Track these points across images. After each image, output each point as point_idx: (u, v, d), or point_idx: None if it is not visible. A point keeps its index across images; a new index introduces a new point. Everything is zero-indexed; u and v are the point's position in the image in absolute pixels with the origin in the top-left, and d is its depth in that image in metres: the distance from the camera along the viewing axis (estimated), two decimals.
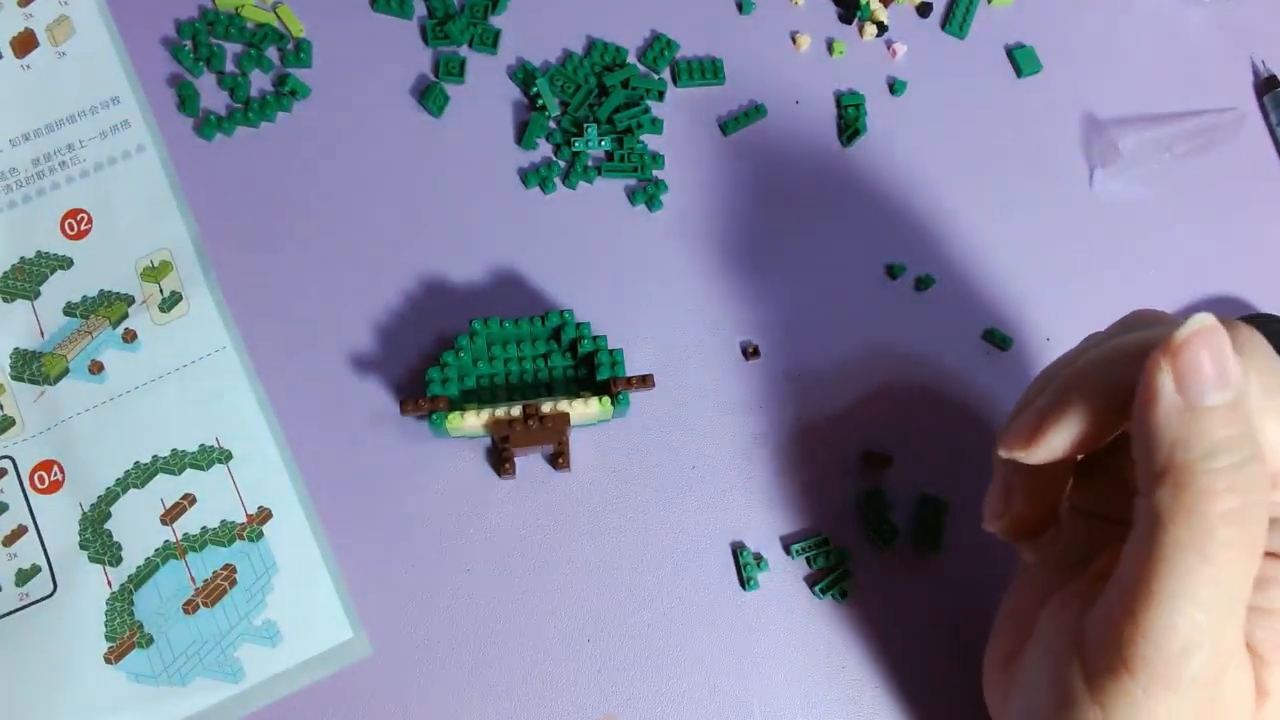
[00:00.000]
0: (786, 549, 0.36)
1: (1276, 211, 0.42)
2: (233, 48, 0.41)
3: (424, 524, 0.36)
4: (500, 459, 0.35)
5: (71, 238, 0.38)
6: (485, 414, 0.34)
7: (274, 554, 0.35)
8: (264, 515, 0.35)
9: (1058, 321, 0.39)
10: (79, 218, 0.38)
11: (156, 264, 0.37)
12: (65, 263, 0.37)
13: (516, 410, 0.34)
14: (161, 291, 0.37)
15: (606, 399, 0.34)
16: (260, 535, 0.35)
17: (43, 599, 0.34)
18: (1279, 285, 0.40)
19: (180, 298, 0.37)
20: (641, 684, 0.34)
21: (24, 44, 0.39)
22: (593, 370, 0.35)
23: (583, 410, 0.34)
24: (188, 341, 0.37)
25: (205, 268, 0.37)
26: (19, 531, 0.34)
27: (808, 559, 0.36)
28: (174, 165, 0.39)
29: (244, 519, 0.35)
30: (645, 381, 0.35)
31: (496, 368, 0.36)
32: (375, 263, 0.38)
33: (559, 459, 0.35)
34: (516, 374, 0.36)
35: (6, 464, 0.35)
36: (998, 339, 0.39)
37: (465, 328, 0.35)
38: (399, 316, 0.38)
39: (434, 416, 0.34)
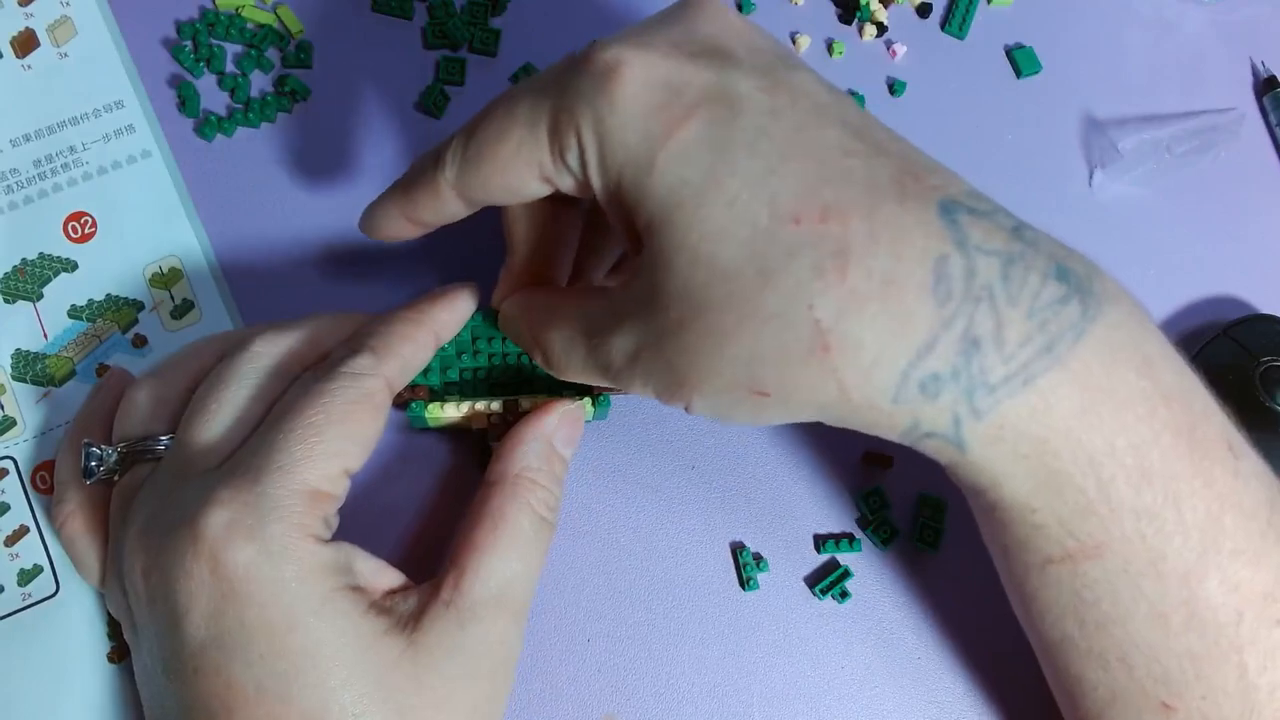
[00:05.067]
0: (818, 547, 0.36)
1: (1276, 211, 0.42)
2: (233, 48, 0.41)
3: (417, 519, 0.36)
4: (484, 455, 0.35)
5: (75, 240, 0.38)
6: (465, 406, 0.34)
7: None
8: None
9: None
10: (83, 220, 0.38)
11: (166, 271, 0.37)
12: (69, 265, 0.37)
13: (497, 405, 0.34)
14: (173, 299, 0.37)
15: (588, 399, 0.34)
16: None
17: (46, 599, 0.34)
18: (1279, 285, 0.40)
19: (193, 305, 0.37)
20: (641, 684, 0.34)
21: (25, 44, 0.39)
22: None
23: None
24: None
25: (219, 278, 0.37)
26: (21, 532, 0.34)
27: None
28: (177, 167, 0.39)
29: None
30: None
31: (480, 361, 0.36)
32: (373, 263, 0.38)
33: None
34: (500, 369, 0.36)
35: (8, 464, 0.35)
36: None
37: None
38: None
39: (413, 404, 0.34)
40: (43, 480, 0.35)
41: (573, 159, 0.26)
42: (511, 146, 0.26)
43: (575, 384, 0.35)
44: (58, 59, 0.39)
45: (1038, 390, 0.23)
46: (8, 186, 0.38)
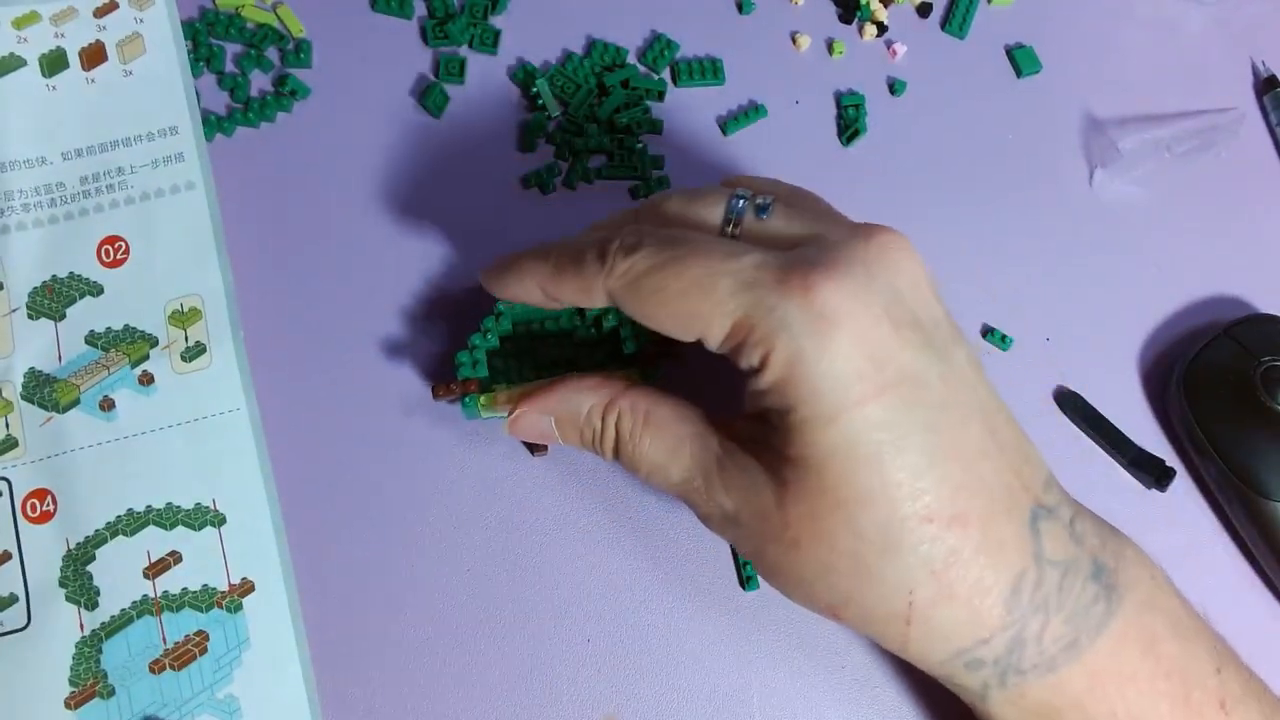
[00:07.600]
0: None
1: (1276, 211, 0.42)
2: (233, 48, 0.41)
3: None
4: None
5: (107, 265, 0.37)
6: (517, 392, 0.33)
7: (249, 629, 0.34)
8: (246, 587, 0.34)
9: (1058, 321, 0.39)
10: (117, 245, 0.37)
11: (186, 310, 0.36)
12: (96, 289, 0.36)
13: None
14: (187, 340, 0.36)
15: (635, 372, 0.34)
16: (239, 607, 0.34)
17: (15, 631, 0.33)
18: (1279, 285, 0.40)
19: (204, 349, 0.36)
20: (641, 684, 0.34)
21: (93, 57, 0.39)
22: (617, 346, 0.35)
23: None
24: (204, 396, 0.36)
25: (234, 323, 0.37)
26: (3, 558, 0.34)
27: None
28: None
29: (226, 587, 0.34)
30: (672, 355, 0.34)
31: (524, 346, 0.35)
32: (373, 264, 0.38)
33: None
34: (545, 353, 0.35)
35: (2, 485, 0.34)
36: (997, 338, 0.39)
37: (464, 344, 0.35)
38: (397, 327, 0.38)
39: (466, 399, 0.33)
40: (33, 508, 0.34)
41: (747, 362, 0.27)
42: (686, 310, 0.27)
43: (624, 359, 0.34)
44: (122, 76, 0.39)
45: (1057, 675, 0.27)
46: (52, 200, 0.37)
